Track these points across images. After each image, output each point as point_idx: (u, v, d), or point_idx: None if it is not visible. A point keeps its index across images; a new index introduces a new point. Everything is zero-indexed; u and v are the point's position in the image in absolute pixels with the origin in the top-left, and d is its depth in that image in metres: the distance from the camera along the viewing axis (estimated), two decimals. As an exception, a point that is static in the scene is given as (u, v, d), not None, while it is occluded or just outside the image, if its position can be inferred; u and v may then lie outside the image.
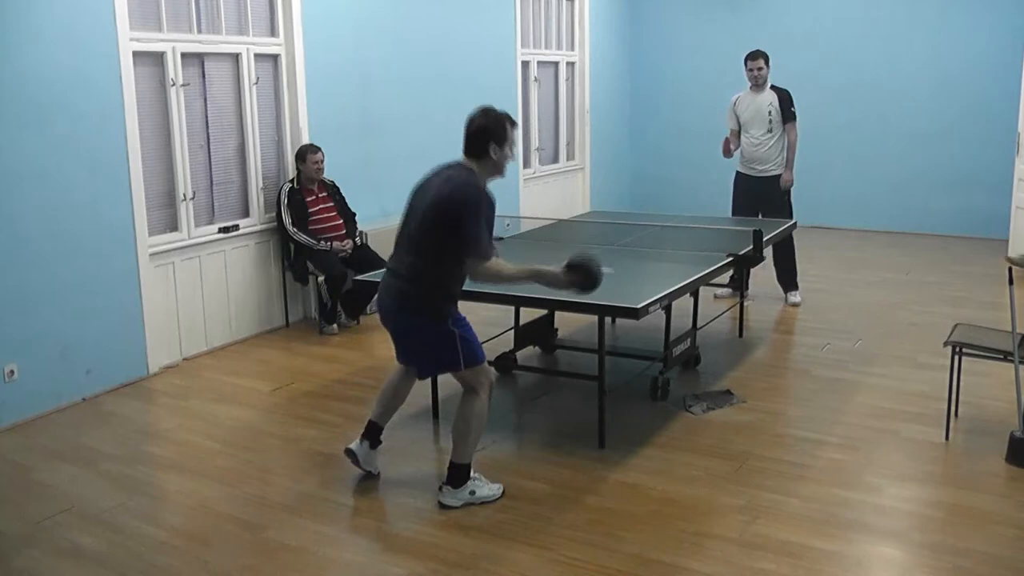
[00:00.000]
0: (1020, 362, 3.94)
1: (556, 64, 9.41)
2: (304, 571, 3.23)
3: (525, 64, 8.76)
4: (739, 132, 6.71)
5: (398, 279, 3.62)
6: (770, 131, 6.55)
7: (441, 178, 3.53)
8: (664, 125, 10.71)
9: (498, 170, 3.60)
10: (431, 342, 3.59)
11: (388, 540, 3.43)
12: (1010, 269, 4.24)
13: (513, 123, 3.60)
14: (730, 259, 4.88)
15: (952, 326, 4.47)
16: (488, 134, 3.51)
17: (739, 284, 6.30)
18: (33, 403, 4.69)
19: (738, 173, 6.79)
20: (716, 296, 6.69)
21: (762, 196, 6.62)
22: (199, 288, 5.78)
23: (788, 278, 6.73)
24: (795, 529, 3.41)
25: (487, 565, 3.20)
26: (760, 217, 6.48)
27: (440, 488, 3.68)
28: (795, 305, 6.62)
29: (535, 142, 9.15)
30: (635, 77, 10.75)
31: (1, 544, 3.43)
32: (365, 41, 6.71)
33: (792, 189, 6.65)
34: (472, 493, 3.66)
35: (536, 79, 9.00)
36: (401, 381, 3.93)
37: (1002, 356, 4.06)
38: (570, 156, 9.85)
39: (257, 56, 6.03)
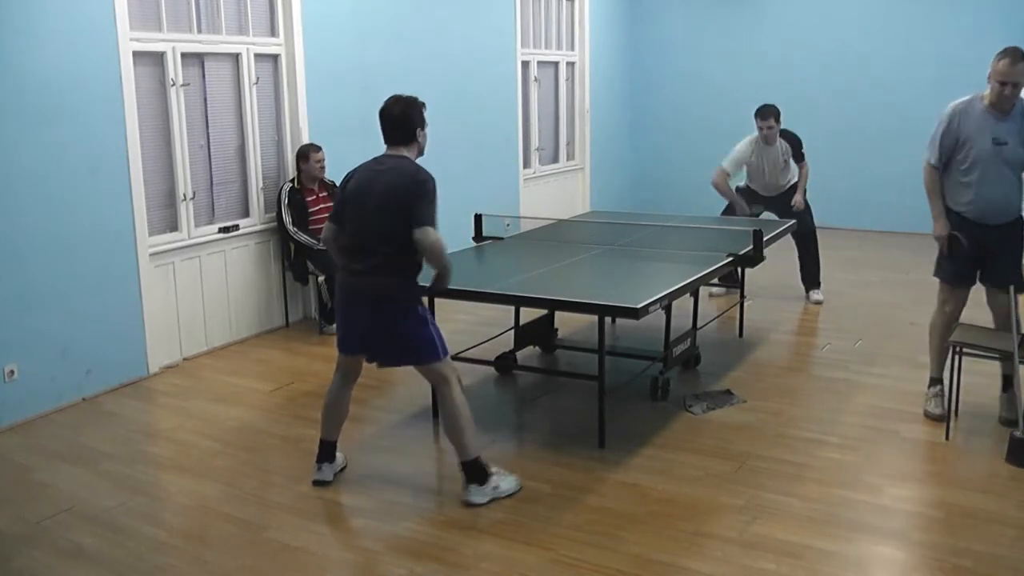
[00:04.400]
0: (1020, 362, 3.94)
1: (556, 64, 9.41)
2: (304, 571, 3.23)
3: (525, 64, 8.76)
4: (727, 177, 6.72)
5: (374, 276, 3.60)
6: (786, 168, 6.73)
7: (386, 170, 3.62)
8: (664, 125, 10.71)
9: (422, 152, 3.80)
10: (414, 334, 3.62)
11: (388, 540, 3.43)
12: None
13: (425, 105, 3.77)
14: (730, 259, 4.88)
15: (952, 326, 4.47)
16: (413, 121, 3.67)
17: (733, 281, 6.37)
18: (33, 403, 4.69)
19: (748, 187, 6.87)
20: (711, 295, 6.77)
21: (772, 202, 6.83)
22: (199, 288, 5.78)
23: (811, 276, 6.82)
24: (795, 529, 3.41)
25: (487, 565, 3.20)
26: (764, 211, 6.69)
27: (466, 487, 3.66)
28: (818, 303, 6.70)
29: (535, 142, 9.15)
30: (635, 77, 10.74)
31: (1, 544, 3.43)
32: (365, 41, 6.71)
33: None
34: (496, 488, 3.67)
35: (536, 79, 9.00)
36: (344, 391, 3.92)
37: (1002, 356, 4.07)
38: (570, 156, 9.85)
39: (257, 56, 6.03)
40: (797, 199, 6.66)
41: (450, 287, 3.77)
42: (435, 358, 3.64)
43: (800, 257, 6.84)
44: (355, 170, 3.75)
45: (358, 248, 3.66)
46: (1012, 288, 4.25)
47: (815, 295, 6.79)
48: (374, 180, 3.63)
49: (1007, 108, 4.15)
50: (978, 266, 4.34)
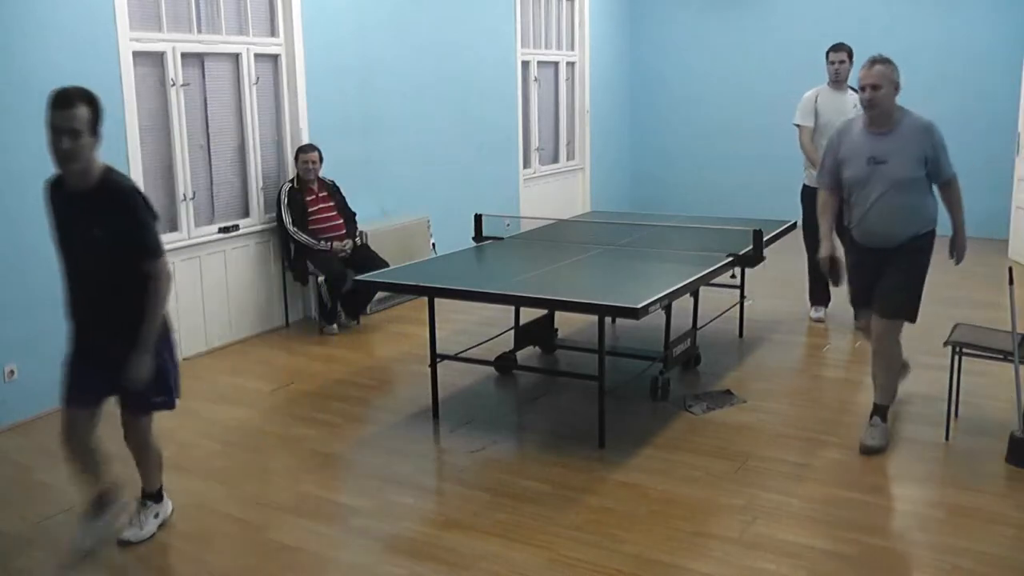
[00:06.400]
0: (1020, 362, 3.94)
1: (556, 64, 9.41)
2: (304, 571, 3.23)
3: (525, 64, 8.76)
4: (811, 133, 5.94)
5: (108, 316, 3.19)
6: None
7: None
8: (664, 125, 10.71)
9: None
10: (158, 371, 3.27)
11: (388, 540, 3.43)
12: (1010, 269, 4.24)
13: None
14: (730, 259, 4.88)
15: (952, 326, 4.47)
16: (98, 115, 3.03)
17: (821, 298, 6.10)
18: (33, 403, 4.68)
19: (805, 187, 6.05)
20: (812, 318, 6.26)
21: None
22: (199, 288, 5.78)
23: (821, 290, 6.14)
24: (795, 529, 3.41)
25: (487, 565, 3.20)
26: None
27: (134, 519, 3.43)
28: (818, 321, 6.22)
29: (535, 142, 9.15)
30: (635, 77, 10.74)
31: (1, 544, 3.44)
32: (365, 41, 6.71)
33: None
34: (156, 516, 3.49)
35: (536, 79, 8.99)
36: (91, 435, 3.32)
37: (1002, 356, 4.07)
38: (570, 156, 9.85)
39: (257, 56, 6.03)
40: None
41: (450, 287, 3.75)
42: (169, 403, 3.43)
43: (810, 268, 6.14)
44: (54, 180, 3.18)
45: (74, 289, 3.24)
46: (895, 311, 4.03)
47: (816, 312, 6.28)
48: (77, 196, 3.12)
49: (878, 120, 3.92)
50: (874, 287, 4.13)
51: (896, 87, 3.92)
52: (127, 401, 3.33)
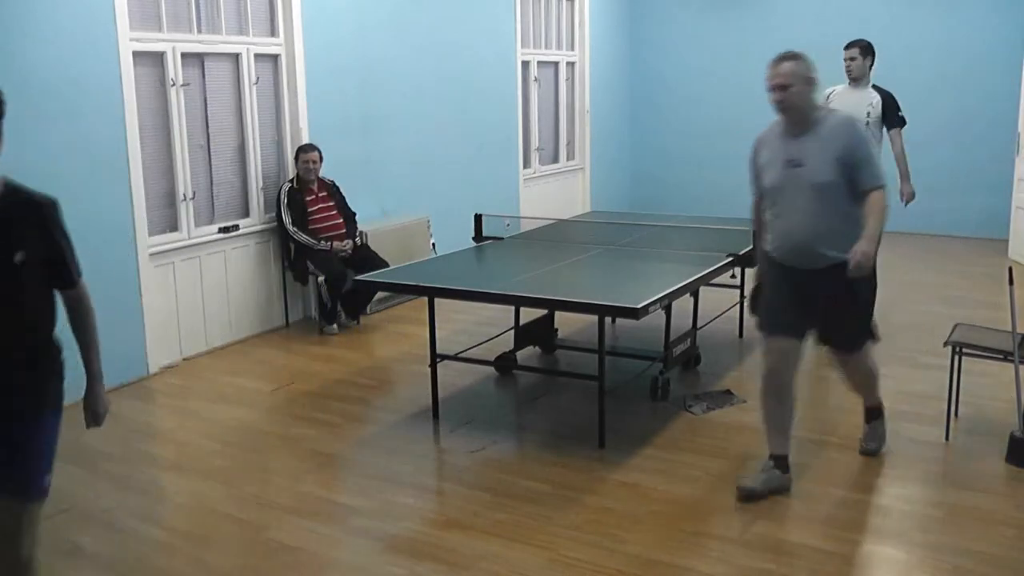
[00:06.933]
0: (1020, 362, 3.94)
1: (556, 64, 9.41)
2: (304, 571, 3.23)
3: (525, 64, 8.76)
4: None
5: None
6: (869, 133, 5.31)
7: None
8: (664, 125, 10.72)
9: None
10: (40, 442, 2.46)
11: (388, 540, 3.43)
12: (1010, 269, 4.24)
13: None
14: (730, 259, 4.88)
15: (952, 326, 4.47)
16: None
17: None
18: (33, 403, 4.68)
19: None
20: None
21: None
22: (199, 288, 5.78)
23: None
24: (795, 529, 3.41)
25: (487, 565, 3.20)
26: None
27: None
28: None
29: (535, 142, 9.15)
30: (635, 77, 10.74)
31: (1, 544, 3.43)
32: (365, 41, 6.71)
33: None
34: None
35: (536, 79, 8.99)
36: None
37: (1002, 356, 4.06)
38: (570, 156, 9.85)
39: (257, 56, 6.03)
40: (905, 190, 5.66)
41: (450, 287, 3.75)
42: (42, 492, 2.40)
43: None
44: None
45: None
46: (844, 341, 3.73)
47: None
48: None
49: (793, 122, 3.51)
50: (809, 315, 3.62)
51: (810, 84, 3.47)
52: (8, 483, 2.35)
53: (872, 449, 4.05)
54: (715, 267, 4.72)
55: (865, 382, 3.96)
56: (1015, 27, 8.66)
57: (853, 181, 3.46)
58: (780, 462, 3.70)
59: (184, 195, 5.62)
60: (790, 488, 3.69)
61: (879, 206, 3.47)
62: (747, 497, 3.61)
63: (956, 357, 4.19)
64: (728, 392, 4.85)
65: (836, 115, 3.63)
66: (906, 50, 9.28)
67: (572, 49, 9.64)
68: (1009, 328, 4.14)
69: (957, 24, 9.02)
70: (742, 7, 10.08)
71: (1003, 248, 8.17)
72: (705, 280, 4.70)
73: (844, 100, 5.62)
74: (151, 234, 5.36)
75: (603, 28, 10.01)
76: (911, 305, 6.56)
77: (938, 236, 9.13)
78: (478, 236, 5.52)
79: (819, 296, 3.57)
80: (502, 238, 5.69)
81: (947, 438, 4.19)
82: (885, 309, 6.50)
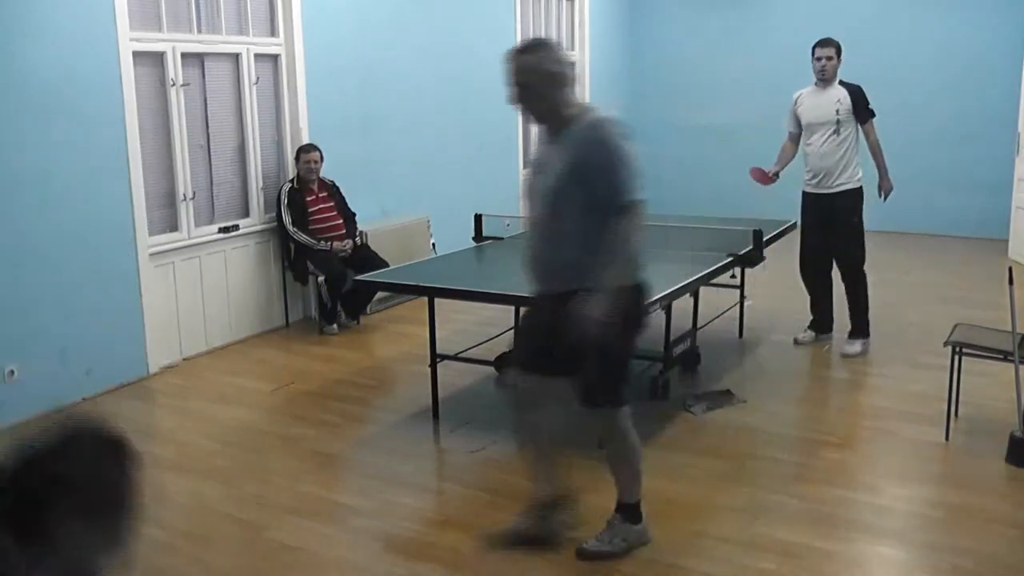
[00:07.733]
0: (1020, 362, 3.94)
1: (556, 64, 9.40)
2: (304, 571, 3.23)
3: (525, 64, 8.75)
4: (798, 137, 5.65)
5: None
6: (836, 132, 5.40)
7: None
8: (664, 125, 10.70)
9: None
10: None
11: (388, 540, 3.43)
12: (1010, 269, 4.24)
13: None
14: (730, 259, 4.88)
15: (952, 326, 4.47)
16: None
17: (824, 327, 5.68)
18: (33, 403, 4.68)
19: (805, 194, 5.69)
20: (797, 342, 5.73)
21: (833, 217, 5.53)
22: (199, 288, 5.78)
23: (859, 321, 5.61)
24: (795, 529, 3.41)
25: (487, 565, 3.20)
26: (830, 249, 5.62)
27: None
28: (852, 356, 5.48)
29: (535, 142, 9.13)
30: (635, 77, 10.74)
31: (1, 544, 3.43)
32: (365, 41, 6.71)
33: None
34: None
35: (536, 79, 8.98)
36: None
37: (1002, 356, 4.06)
38: (570, 156, 9.84)
39: (257, 56, 6.03)
40: (884, 184, 5.58)
41: (450, 287, 3.73)
42: None
43: (847, 294, 5.67)
44: None
45: None
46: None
47: (851, 347, 5.51)
48: None
49: (544, 123, 3.04)
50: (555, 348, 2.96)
51: (553, 79, 2.90)
52: None
53: (590, 549, 3.14)
54: (715, 267, 4.72)
55: (615, 455, 3.17)
56: (1015, 27, 8.66)
57: (595, 196, 2.86)
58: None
59: (184, 195, 5.62)
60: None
61: (626, 233, 2.85)
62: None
63: (956, 357, 4.19)
64: (728, 392, 4.85)
65: (590, 117, 2.97)
66: (906, 50, 9.29)
67: (572, 49, 9.64)
68: (1009, 328, 4.15)
69: (957, 24, 9.02)
70: (742, 7, 10.08)
71: (1003, 248, 8.17)
72: (705, 280, 4.70)
73: (812, 101, 5.57)
74: (151, 234, 5.36)
75: (603, 28, 10.01)
76: (911, 305, 6.56)
77: (938, 236, 9.13)
78: (478, 236, 5.52)
79: (560, 327, 2.83)
80: (502, 238, 5.69)
81: (947, 438, 4.18)
82: (885, 309, 6.50)
